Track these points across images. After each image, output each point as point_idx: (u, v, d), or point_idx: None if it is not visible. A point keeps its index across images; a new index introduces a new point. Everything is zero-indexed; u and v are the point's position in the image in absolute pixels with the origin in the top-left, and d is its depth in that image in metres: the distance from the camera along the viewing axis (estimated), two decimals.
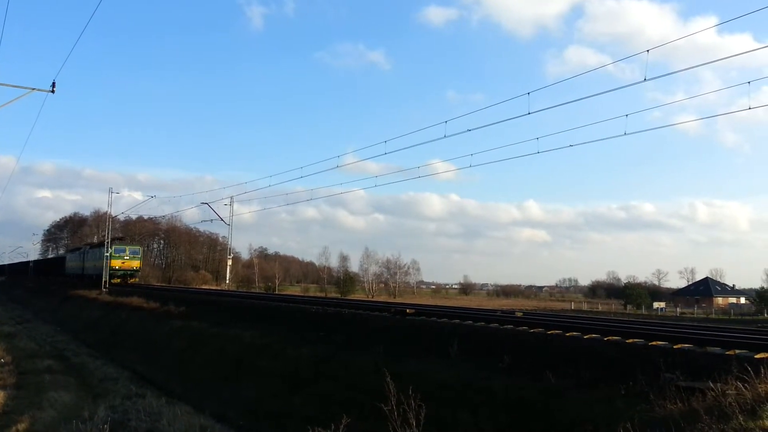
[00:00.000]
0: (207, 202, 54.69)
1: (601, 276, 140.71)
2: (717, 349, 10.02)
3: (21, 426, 13.47)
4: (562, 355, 11.42)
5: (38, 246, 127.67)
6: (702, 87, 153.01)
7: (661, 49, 29.01)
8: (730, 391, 7.25)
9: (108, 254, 50.25)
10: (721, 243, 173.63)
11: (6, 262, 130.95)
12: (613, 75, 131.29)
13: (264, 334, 20.27)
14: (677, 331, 12.79)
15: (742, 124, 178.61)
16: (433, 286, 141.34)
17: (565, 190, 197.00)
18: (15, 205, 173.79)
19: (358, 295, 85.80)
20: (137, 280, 56.00)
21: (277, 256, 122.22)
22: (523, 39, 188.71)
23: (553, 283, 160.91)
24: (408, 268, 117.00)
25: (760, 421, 6.29)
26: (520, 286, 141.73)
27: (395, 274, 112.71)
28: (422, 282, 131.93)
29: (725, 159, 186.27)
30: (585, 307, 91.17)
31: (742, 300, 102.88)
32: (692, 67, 62.41)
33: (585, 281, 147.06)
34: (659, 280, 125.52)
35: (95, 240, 73.58)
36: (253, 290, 73.92)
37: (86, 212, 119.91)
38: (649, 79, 15.29)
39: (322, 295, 76.49)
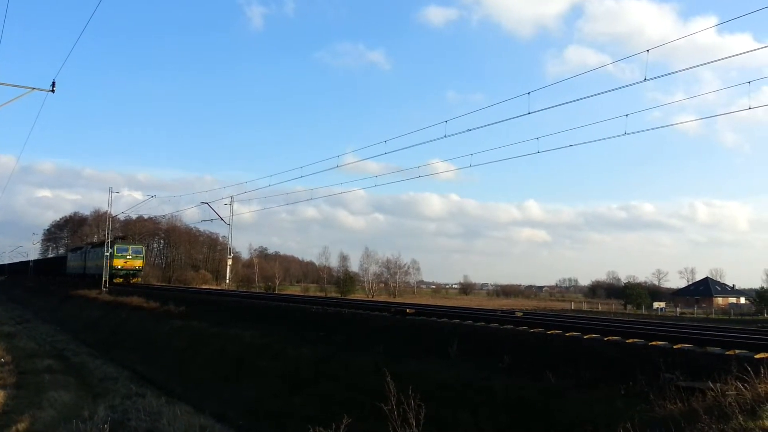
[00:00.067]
0: (207, 201, 54.67)
1: (601, 276, 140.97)
2: (717, 349, 10.02)
3: (21, 426, 13.47)
4: (562, 355, 11.42)
5: (38, 245, 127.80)
6: (702, 87, 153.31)
7: (661, 49, 29.03)
8: (729, 391, 7.25)
9: (108, 253, 50.12)
10: (721, 243, 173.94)
11: (6, 261, 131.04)
12: (613, 75, 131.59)
13: (264, 333, 20.28)
14: (677, 331, 12.78)
15: (742, 124, 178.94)
16: (433, 286, 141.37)
17: (565, 190, 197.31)
18: (15, 204, 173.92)
19: (358, 295, 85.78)
20: (140, 280, 55.62)
21: (277, 256, 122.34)
22: (523, 39, 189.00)
23: (553, 283, 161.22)
24: (408, 268, 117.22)
25: (760, 421, 6.29)
26: (520, 286, 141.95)
27: (395, 274, 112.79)
28: (422, 282, 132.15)
29: (725, 159, 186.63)
30: (585, 307, 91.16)
31: (742, 300, 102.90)
32: (692, 67, 62.48)
33: (585, 281, 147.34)
34: (659, 280, 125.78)
35: (96, 239, 73.50)
36: (253, 290, 73.91)
37: (86, 212, 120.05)
38: (649, 79, 15.34)
39: (322, 294, 76.51)
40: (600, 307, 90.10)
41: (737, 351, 9.65)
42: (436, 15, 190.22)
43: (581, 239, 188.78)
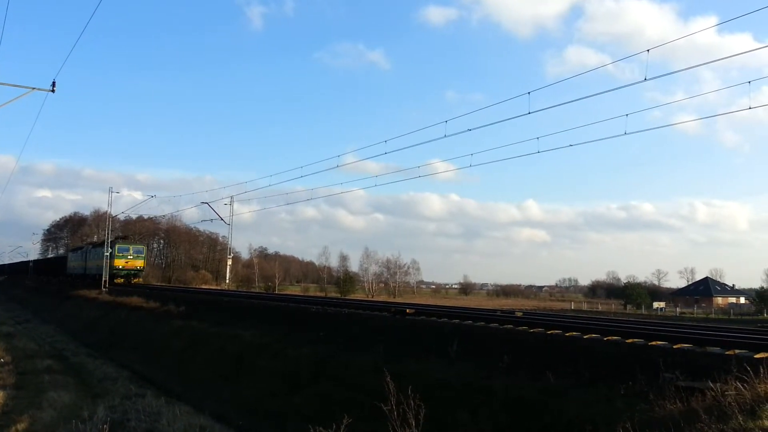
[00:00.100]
0: (207, 201, 54.68)
1: (600, 276, 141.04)
2: (716, 349, 10.02)
3: (20, 426, 13.48)
4: (561, 355, 11.42)
5: (38, 246, 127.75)
6: (702, 87, 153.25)
7: (660, 49, 28.96)
8: (729, 391, 7.24)
9: (108, 253, 50.02)
10: (721, 243, 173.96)
11: (6, 261, 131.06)
12: (613, 75, 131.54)
13: (264, 333, 20.27)
14: (677, 331, 12.77)
15: (742, 124, 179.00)
16: (433, 286, 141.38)
17: (564, 190, 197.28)
18: (15, 204, 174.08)
19: (358, 295, 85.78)
20: (141, 280, 55.13)
21: (276, 256, 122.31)
22: (523, 39, 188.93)
23: (552, 283, 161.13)
24: (408, 267, 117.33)
25: (760, 422, 6.29)
26: (519, 286, 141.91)
27: (395, 273, 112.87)
28: (422, 282, 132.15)
29: (725, 159, 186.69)
30: (585, 307, 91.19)
31: (742, 300, 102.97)
32: (692, 67, 62.54)
33: (585, 281, 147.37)
34: (659, 280, 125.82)
35: (96, 239, 73.44)
36: (252, 290, 73.90)
37: (86, 212, 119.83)
38: (649, 79, 15.34)
39: (322, 294, 76.49)
40: (600, 307, 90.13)
41: (737, 351, 9.64)
42: (436, 15, 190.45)
43: (581, 239, 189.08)
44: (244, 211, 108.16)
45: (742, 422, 6.36)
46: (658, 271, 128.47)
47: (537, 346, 12.41)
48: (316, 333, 18.55)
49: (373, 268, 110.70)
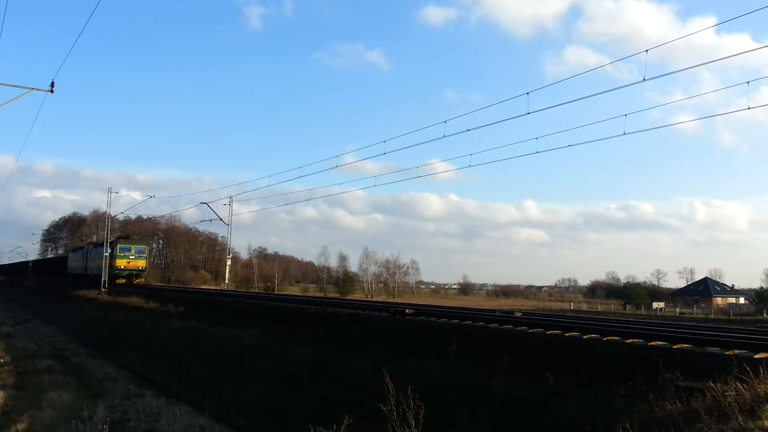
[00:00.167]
0: (206, 202, 54.66)
1: (600, 276, 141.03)
2: (716, 349, 10.02)
3: (20, 426, 13.48)
4: (561, 355, 11.42)
5: (37, 246, 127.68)
6: (701, 87, 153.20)
7: (659, 50, 29.06)
8: (729, 392, 7.24)
9: (107, 253, 49.89)
10: (720, 243, 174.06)
11: (5, 262, 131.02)
12: (612, 75, 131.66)
13: (264, 333, 20.27)
14: (676, 331, 12.79)
15: (741, 124, 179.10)
16: (433, 286, 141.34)
17: (564, 190, 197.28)
18: (14, 204, 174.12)
19: (357, 295, 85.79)
20: (143, 280, 54.51)
21: (276, 256, 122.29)
22: (522, 39, 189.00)
23: (552, 283, 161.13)
24: (407, 268, 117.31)
25: (760, 422, 6.30)
26: (519, 286, 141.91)
27: (394, 274, 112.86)
28: (421, 282, 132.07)
29: (724, 159, 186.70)
30: (584, 307, 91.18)
31: (742, 300, 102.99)
32: (691, 67, 62.58)
33: (584, 281, 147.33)
34: (658, 280, 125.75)
35: (95, 239, 73.38)
36: (252, 290, 73.88)
37: (85, 212, 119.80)
38: (648, 79, 15.34)
39: (322, 295, 76.49)
40: (599, 307, 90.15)
41: (737, 351, 9.64)
42: (435, 15, 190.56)
43: (580, 239, 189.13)
44: (244, 212, 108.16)
45: (742, 422, 6.37)
46: (658, 271, 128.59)
47: (536, 346, 12.41)
48: (316, 333, 18.55)
49: (373, 269, 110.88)
